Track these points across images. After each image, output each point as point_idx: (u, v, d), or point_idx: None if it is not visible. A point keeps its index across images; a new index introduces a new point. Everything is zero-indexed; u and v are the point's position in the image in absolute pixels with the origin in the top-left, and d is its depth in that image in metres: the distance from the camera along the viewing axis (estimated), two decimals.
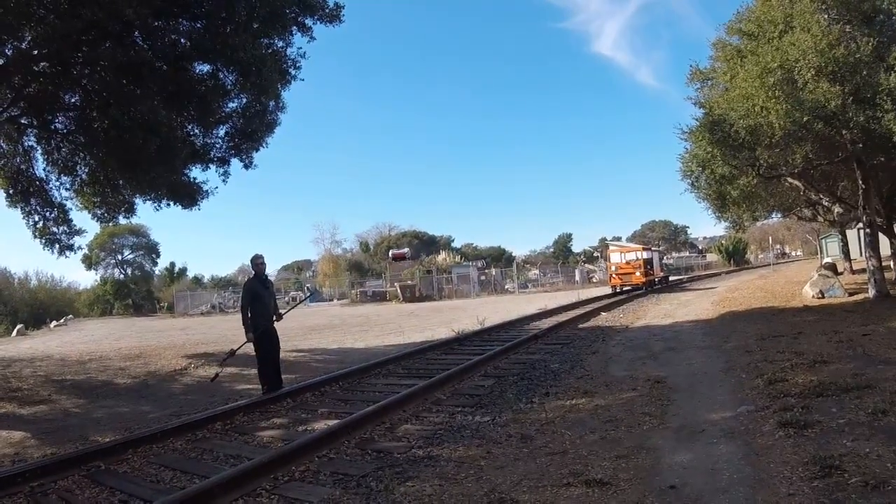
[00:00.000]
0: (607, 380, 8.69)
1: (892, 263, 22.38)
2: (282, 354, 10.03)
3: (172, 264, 66.68)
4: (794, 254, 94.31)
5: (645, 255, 32.91)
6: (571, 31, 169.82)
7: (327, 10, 13.11)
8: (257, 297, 9.59)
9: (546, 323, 17.54)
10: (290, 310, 11.48)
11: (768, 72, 13.56)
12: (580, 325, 16.75)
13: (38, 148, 14.35)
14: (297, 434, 7.00)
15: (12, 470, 5.89)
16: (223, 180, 14.73)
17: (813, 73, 13.12)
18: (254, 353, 9.68)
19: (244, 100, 13.62)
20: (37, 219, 14.67)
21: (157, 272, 64.71)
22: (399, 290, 42.11)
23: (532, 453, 5.52)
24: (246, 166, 14.61)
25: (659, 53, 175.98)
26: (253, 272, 10.11)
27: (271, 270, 10.36)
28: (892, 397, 5.78)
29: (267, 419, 8.00)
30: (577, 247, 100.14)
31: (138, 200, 15.04)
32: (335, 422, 7.10)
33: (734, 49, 16.35)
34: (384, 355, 12.78)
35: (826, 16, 13.96)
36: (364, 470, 5.41)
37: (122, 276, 59.35)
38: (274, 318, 9.81)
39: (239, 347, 10.02)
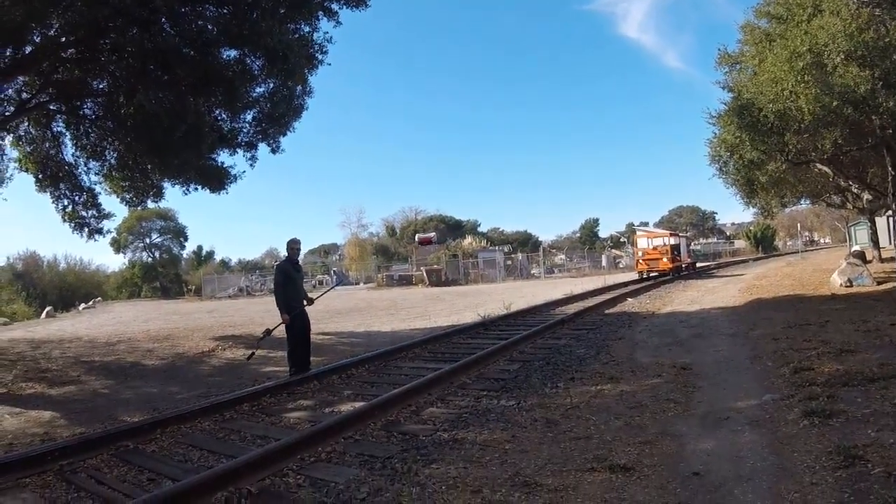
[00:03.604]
0: (633, 366, 8.69)
1: None
2: (310, 337, 10.10)
3: (200, 248, 67.76)
4: (822, 241, 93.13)
5: (672, 240, 32.61)
6: (597, 13, 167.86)
7: None
8: (290, 279, 9.71)
9: (572, 308, 17.54)
10: (321, 295, 11.49)
11: (797, 56, 13.42)
12: (606, 311, 16.70)
13: (67, 133, 14.54)
14: (323, 416, 7.06)
15: (42, 448, 5.97)
16: (250, 165, 14.93)
17: (842, 57, 12.97)
18: (281, 336, 9.82)
19: (271, 85, 13.72)
20: (66, 203, 14.94)
21: (184, 256, 65.69)
22: (425, 275, 42.18)
23: (556, 438, 5.57)
24: (273, 151, 14.79)
25: (686, 36, 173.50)
26: (286, 255, 10.19)
27: (300, 254, 10.52)
28: None
29: (294, 401, 8.10)
30: (603, 232, 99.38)
31: (166, 184, 15.32)
32: (361, 404, 7.17)
33: (763, 32, 16.19)
34: (410, 339, 12.87)
35: None
36: (389, 452, 5.46)
37: (149, 259, 60.30)
38: (305, 301, 9.91)
39: (275, 327, 10.00)
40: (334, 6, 13.29)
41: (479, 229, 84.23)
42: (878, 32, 13.14)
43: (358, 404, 7.31)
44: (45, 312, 29.47)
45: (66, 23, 10.99)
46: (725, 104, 16.20)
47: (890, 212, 18.56)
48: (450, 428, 6.13)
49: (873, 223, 32.10)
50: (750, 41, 16.90)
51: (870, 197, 22.46)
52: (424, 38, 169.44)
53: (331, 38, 13.88)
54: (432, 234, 60.50)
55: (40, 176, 14.49)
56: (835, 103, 13.13)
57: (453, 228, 77.44)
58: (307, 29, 13.42)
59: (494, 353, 9.96)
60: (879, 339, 8.63)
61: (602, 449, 5.16)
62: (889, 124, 13.94)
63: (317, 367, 9.87)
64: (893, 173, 16.10)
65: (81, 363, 12.35)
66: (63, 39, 11.73)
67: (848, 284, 17.13)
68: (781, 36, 14.72)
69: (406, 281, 44.54)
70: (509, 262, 51.52)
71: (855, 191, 23.31)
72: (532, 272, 50.17)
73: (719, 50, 18.27)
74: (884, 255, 29.07)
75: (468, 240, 62.51)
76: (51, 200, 14.86)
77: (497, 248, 58.77)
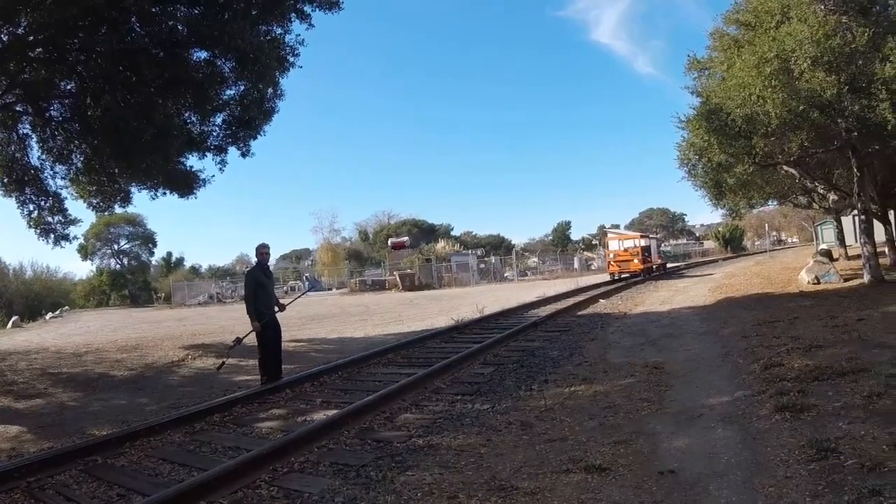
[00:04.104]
0: (606, 366, 8.74)
1: (886, 249, 22.46)
2: (281, 344, 9.99)
3: (169, 254, 66.53)
4: (790, 240, 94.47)
5: (643, 242, 32.92)
6: (570, 19, 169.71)
7: None
8: (261, 285, 9.54)
9: (545, 310, 17.58)
10: (293, 301, 11.34)
11: (765, 61, 13.66)
12: (579, 313, 16.80)
13: (33, 136, 14.18)
14: (296, 425, 6.97)
15: (8, 465, 5.82)
16: (220, 169, 14.69)
17: (809, 62, 13.22)
18: (252, 344, 9.67)
19: (242, 87, 13.57)
20: (31, 208, 14.53)
21: (153, 262, 64.63)
22: (398, 279, 41.94)
23: (532, 440, 5.57)
24: (243, 154, 14.54)
25: (657, 42, 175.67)
26: (256, 261, 10.07)
27: (270, 259, 10.37)
28: (886, 380, 5.82)
29: (266, 410, 7.98)
30: (575, 234, 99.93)
31: (134, 189, 15.02)
32: (334, 412, 7.09)
33: (731, 39, 16.49)
34: (383, 344, 12.78)
35: (822, 6, 13.98)
36: (364, 460, 5.41)
37: (118, 266, 59.19)
38: (276, 308, 9.77)
39: (245, 336, 9.87)
40: (307, 8, 13.18)
41: (453, 233, 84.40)
42: (845, 39, 13.38)
43: (331, 412, 7.22)
44: (10, 322, 28.86)
45: (35, 21, 10.79)
46: (694, 109, 16.33)
47: (855, 211, 18.86)
48: (424, 433, 6.10)
49: (839, 222, 32.85)
50: (719, 47, 17.15)
51: (835, 197, 22.87)
52: (395, 38, 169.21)
53: (303, 40, 13.79)
54: (405, 239, 60.30)
55: (5, 180, 14.08)
56: (801, 107, 13.37)
57: (427, 232, 77.33)
58: (279, 31, 13.32)
59: (468, 356, 9.95)
60: (847, 334, 8.77)
61: (577, 450, 5.17)
62: (854, 127, 14.18)
63: (289, 375, 9.75)
64: (858, 174, 16.39)
65: (49, 375, 12.05)
66: (31, 38, 11.50)
67: (816, 282, 17.42)
68: (750, 42, 14.99)
69: (379, 286, 44.26)
70: (483, 266, 51.53)
71: (821, 191, 23.72)
72: (505, 275, 50.26)
73: (689, 56, 18.50)
74: (850, 253, 29.63)
75: (441, 244, 62.49)
76: (16, 205, 14.46)
77: (470, 251, 58.80)
